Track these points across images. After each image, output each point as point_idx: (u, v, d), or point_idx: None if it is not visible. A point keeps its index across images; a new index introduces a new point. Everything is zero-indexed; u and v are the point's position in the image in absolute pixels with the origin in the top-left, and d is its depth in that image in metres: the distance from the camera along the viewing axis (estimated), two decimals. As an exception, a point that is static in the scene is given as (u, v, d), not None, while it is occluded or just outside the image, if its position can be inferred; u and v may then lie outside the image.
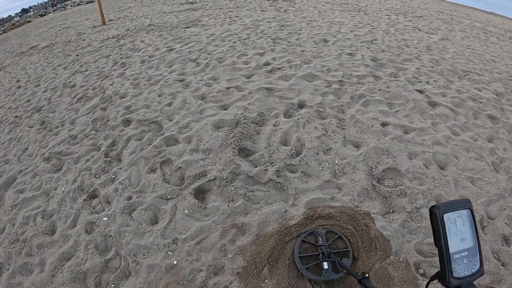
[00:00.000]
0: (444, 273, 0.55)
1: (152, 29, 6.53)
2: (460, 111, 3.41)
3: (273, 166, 2.30)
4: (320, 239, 1.79)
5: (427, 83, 4.10)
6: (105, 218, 2.06)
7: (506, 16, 16.76)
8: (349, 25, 6.66)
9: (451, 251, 0.54)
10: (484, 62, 5.54)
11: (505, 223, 2.22)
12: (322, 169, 2.37)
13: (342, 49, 4.86)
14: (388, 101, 3.45)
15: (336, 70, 4.00)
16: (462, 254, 0.55)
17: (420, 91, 3.78)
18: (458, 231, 0.54)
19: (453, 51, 5.90)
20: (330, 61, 4.31)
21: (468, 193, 2.33)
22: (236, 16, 7.13)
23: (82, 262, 1.82)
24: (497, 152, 2.87)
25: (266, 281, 1.67)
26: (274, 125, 2.79)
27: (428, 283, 0.64)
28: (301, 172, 2.31)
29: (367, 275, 1.17)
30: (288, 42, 5.11)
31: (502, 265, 1.98)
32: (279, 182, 2.18)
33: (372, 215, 2.04)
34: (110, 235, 1.94)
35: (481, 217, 2.19)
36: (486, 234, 2.12)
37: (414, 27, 7.60)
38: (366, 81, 3.84)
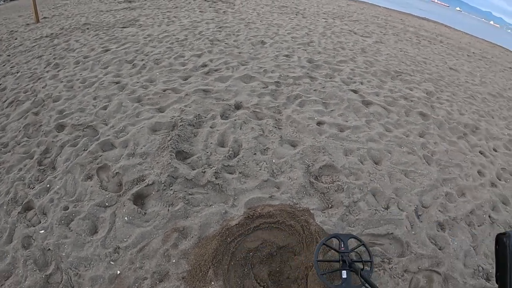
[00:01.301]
0: None
1: (87, 28, 7.74)
2: (392, 109, 4.73)
3: (211, 168, 2.97)
4: (343, 245, 2.19)
5: (361, 83, 5.50)
6: (42, 231, 2.48)
7: (438, 22, 23.39)
8: (287, 28, 8.58)
9: None
10: (415, 63, 7.71)
11: (439, 210, 3.21)
12: (260, 169, 3.08)
13: (279, 51, 6.33)
14: (324, 101, 4.55)
15: (272, 72, 5.19)
16: None
17: (355, 91, 5.06)
18: None
19: (387, 53, 8.00)
20: (267, 63, 5.57)
21: (402, 185, 3.27)
22: (174, 17, 8.66)
23: (22, 279, 2.18)
24: (428, 146, 4.11)
25: (212, 283, 2.12)
26: (211, 127, 3.57)
27: None
28: (239, 172, 3.00)
29: None
30: (226, 43, 6.48)
31: (439, 249, 2.86)
32: (218, 183, 2.82)
33: (311, 211, 2.71)
34: (49, 249, 2.34)
35: (415, 206, 3.11)
36: (421, 222, 3.02)
37: (350, 31, 9.97)
38: (302, 82, 5.02)
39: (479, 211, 3.37)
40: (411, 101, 5.21)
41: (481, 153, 4.46)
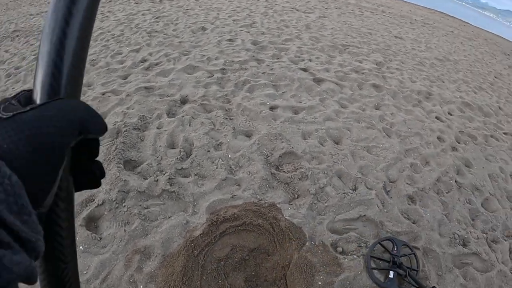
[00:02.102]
0: None
1: (17, 36, 7.48)
2: (345, 84, 4.84)
3: (164, 174, 2.88)
4: (396, 249, 2.50)
5: (310, 60, 5.58)
6: None
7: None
8: (227, 11, 8.51)
9: None
10: (361, 35, 8.04)
11: (407, 183, 3.33)
12: (217, 167, 3.01)
13: (221, 36, 6.27)
14: (274, 84, 4.55)
15: (216, 59, 5.12)
16: None
17: (304, 70, 5.12)
18: None
19: (331, 27, 8.24)
20: (209, 50, 5.49)
21: (367, 163, 3.34)
22: (108, 12, 8.42)
23: None
24: (386, 118, 4.27)
25: None
26: (158, 128, 3.49)
27: None
28: (195, 175, 2.95)
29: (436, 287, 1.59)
30: (164, 34, 6.32)
31: (414, 223, 2.96)
32: (174, 191, 2.74)
33: (278, 206, 2.70)
34: None
35: (383, 183, 3.20)
36: (391, 198, 3.11)
37: (292, 8, 10.14)
38: (249, 66, 5.01)
39: (445, 178, 3.56)
40: (362, 73, 5.39)
41: (438, 119, 4.75)
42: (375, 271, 2.42)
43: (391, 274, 2.37)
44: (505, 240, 3.27)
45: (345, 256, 2.51)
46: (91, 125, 0.34)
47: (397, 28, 10.42)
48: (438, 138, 4.23)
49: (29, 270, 0.26)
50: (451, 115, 5.03)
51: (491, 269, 2.88)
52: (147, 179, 2.85)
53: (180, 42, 5.84)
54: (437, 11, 22.61)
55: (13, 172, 0.26)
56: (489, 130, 4.98)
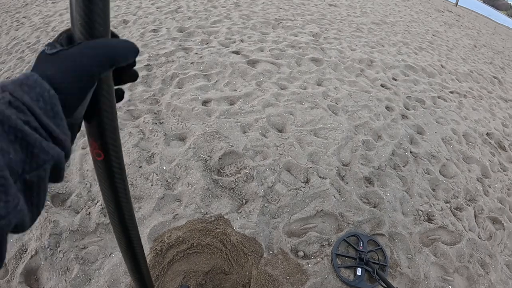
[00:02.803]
0: None
1: None
2: (282, 62, 4.65)
3: (96, 203, 2.66)
4: (362, 245, 2.48)
5: (242, 41, 5.32)
6: None
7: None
8: None
9: None
10: (294, 7, 7.92)
11: (361, 164, 3.23)
12: (152, 185, 2.75)
13: (144, 27, 5.83)
14: (205, 73, 4.24)
15: (140, 54, 4.70)
16: None
17: (237, 52, 4.85)
18: None
19: (262, 2, 8.02)
20: None
21: (316, 149, 3.18)
22: (24, 17, 7.96)
23: None
24: (329, 94, 4.15)
25: None
26: (83, 148, 3.20)
27: None
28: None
29: None
30: None
31: (375, 207, 2.86)
32: (109, 222, 2.34)
33: (225, 217, 2.49)
34: None
35: (337, 168, 3.06)
36: (347, 183, 2.99)
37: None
38: (176, 57, 4.66)
39: (399, 150, 3.53)
40: (299, 48, 5.25)
41: (383, 86, 4.75)
42: (342, 269, 2.37)
43: (359, 271, 2.36)
44: (469, 206, 3.33)
45: (308, 260, 2.38)
46: (120, 55, 0.46)
47: (330, -5, 10.50)
48: (387, 107, 4.21)
49: (61, 157, 0.38)
50: (395, 80, 5.08)
51: (460, 240, 2.91)
52: (78, 212, 2.61)
53: None
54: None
55: (53, 89, 0.38)
56: (436, 91, 5.10)
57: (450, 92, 5.25)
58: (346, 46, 5.80)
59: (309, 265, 2.36)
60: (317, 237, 2.50)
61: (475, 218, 3.26)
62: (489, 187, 3.71)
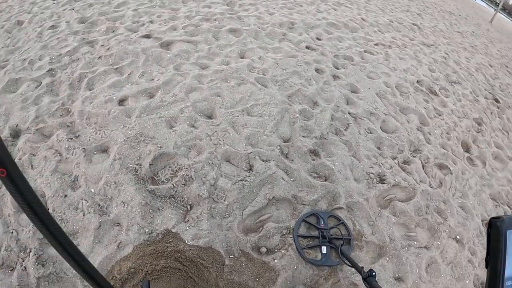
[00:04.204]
0: None
1: None
2: (198, 39, 4.38)
3: (29, 253, 2.29)
4: (322, 222, 2.49)
5: (151, 22, 4.92)
6: None
7: None
8: None
9: (506, 275, 0.71)
10: (199, -25, 7.57)
11: (303, 136, 3.15)
12: (84, 214, 2.44)
13: (41, 25, 5.16)
14: (115, 67, 3.83)
15: (40, 58, 4.17)
16: None
17: (147, 36, 4.47)
18: None
19: (162, -27, 7.54)
20: (31, 49, 4.46)
21: (252, 130, 3.04)
22: None
23: None
24: (255, 65, 4.00)
25: None
26: None
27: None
28: None
29: (374, 273, 1.57)
30: None
31: (326, 181, 2.82)
32: (50, 272, 2.20)
33: (173, 231, 2.30)
34: None
35: (279, 147, 2.95)
36: (293, 160, 2.90)
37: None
38: (81, 53, 4.17)
39: (338, 114, 3.54)
40: (215, 20, 5.01)
41: (309, 48, 4.73)
42: (306, 251, 2.37)
43: (324, 249, 2.37)
44: (415, 157, 3.46)
45: (273, 255, 2.31)
46: None
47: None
48: (316, 70, 4.20)
49: None
50: (320, 40, 5.09)
51: (414, 194, 3.03)
52: (14, 269, 2.24)
53: None
54: None
55: None
56: (361, 46, 5.22)
57: (375, 44, 5.40)
58: (263, 10, 5.66)
59: (275, 260, 2.28)
60: (275, 228, 2.42)
61: (423, 169, 3.41)
62: (430, 134, 3.90)
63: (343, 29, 5.63)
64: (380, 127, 3.66)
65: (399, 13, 7.57)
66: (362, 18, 6.27)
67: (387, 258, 2.53)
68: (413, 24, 7.07)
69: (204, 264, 2.20)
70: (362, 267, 1.74)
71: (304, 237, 2.44)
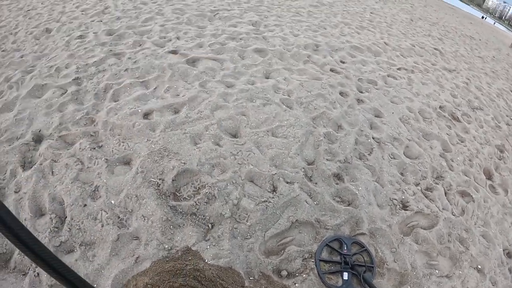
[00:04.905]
0: None
1: None
2: (224, 57, 4.40)
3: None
4: (346, 248, 2.43)
5: (178, 38, 4.99)
6: None
7: None
8: (73, 1, 7.21)
9: None
10: (227, -5, 7.69)
11: (327, 159, 3.09)
12: (103, 225, 2.40)
13: (69, 34, 5.31)
14: (141, 80, 3.87)
15: (67, 66, 4.24)
16: None
17: (174, 52, 4.52)
18: None
19: (192, -7, 7.70)
20: (58, 57, 4.57)
21: (277, 151, 2.99)
22: None
23: None
24: (280, 86, 3.98)
25: None
26: (16, 192, 2.74)
27: None
28: (80, 245, 2.36)
29: None
30: (3, 51, 5.14)
31: (349, 205, 2.74)
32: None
33: (193, 249, 2.24)
34: None
35: (303, 169, 2.89)
36: (317, 184, 2.83)
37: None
38: (107, 65, 4.24)
39: (362, 138, 3.47)
40: (240, 39, 5.04)
41: (333, 71, 4.70)
42: (327, 276, 2.31)
43: (345, 276, 2.31)
44: (438, 184, 3.35)
45: (294, 279, 2.25)
46: None
47: (262, -20, 10.40)
48: (341, 93, 4.15)
49: None
50: (344, 63, 5.05)
51: (436, 222, 2.92)
52: (26, 274, 2.22)
53: (22, 57, 4.82)
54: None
55: None
56: (384, 70, 5.16)
57: (398, 69, 5.34)
58: (288, 32, 5.68)
59: (296, 284, 2.21)
60: (297, 251, 2.35)
61: (446, 196, 3.30)
62: (452, 161, 3.79)
63: (366, 52, 5.58)
64: (404, 153, 3.57)
65: (420, 38, 7.49)
66: (385, 42, 6.23)
67: (409, 287, 2.42)
68: (435, 48, 6.98)
69: (223, 284, 2.14)
70: None
71: (326, 261, 2.37)
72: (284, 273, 2.25)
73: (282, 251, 2.35)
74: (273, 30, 5.66)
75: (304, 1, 7.96)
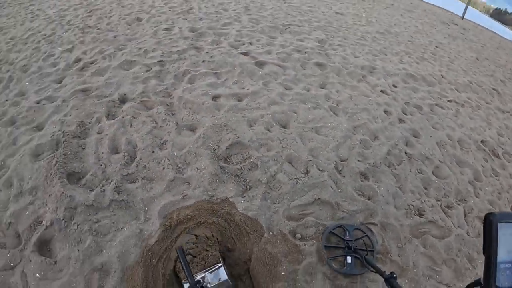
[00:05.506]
0: (487, 281, 0.89)
1: None
2: (288, 65, 4.93)
3: (110, 182, 2.92)
4: (348, 234, 2.64)
5: (251, 44, 5.63)
6: None
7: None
8: None
9: (498, 260, 0.86)
10: (302, 13, 8.23)
11: (358, 160, 3.48)
12: (164, 168, 3.03)
13: (157, 25, 6.25)
14: (215, 72, 4.57)
15: (154, 50, 5.12)
16: (507, 265, 0.87)
17: (245, 54, 5.15)
18: (508, 243, 0.86)
19: (271, 7, 8.34)
20: (146, 42, 5.49)
21: (316, 144, 3.44)
22: (38, 10, 8.26)
23: None
24: (331, 96, 4.41)
25: None
26: (98, 133, 3.49)
27: None
28: (142, 179, 2.98)
29: (395, 275, 1.72)
30: (98, 29, 6.22)
31: (369, 200, 3.10)
32: (122, 199, 2.79)
33: (231, 200, 2.74)
34: None
35: (334, 163, 3.31)
36: (344, 176, 3.23)
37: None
38: (188, 55, 5.02)
39: (395, 151, 3.77)
40: (305, 52, 5.53)
41: (383, 92, 5.01)
42: (332, 261, 2.53)
43: (349, 259, 2.51)
44: (459, 205, 3.54)
45: (305, 242, 2.61)
46: None
47: (337, 4, 10.82)
48: (385, 111, 4.46)
49: None
50: (395, 87, 5.33)
51: (448, 235, 3.11)
52: (93, 190, 2.83)
53: (115, 37, 5.77)
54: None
55: None
56: (434, 99, 5.35)
57: (448, 100, 5.49)
58: (350, 53, 6.07)
59: (306, 246, 2.58)
60: (313, 222, 2.74)
61: (464, 217, 3.46)
62: (480, 189, 3.93)
63: (420, 81, 5.80)
64: (432, 171, 3.80)
65: (481, 77, 7.45)
66: (442, 75, 6.37)
67: (406, 280, 2.65)
68: (493, 89, 6.93)
69: (247, 230, 2.59)
70: (384, 271, 1.93)
71: (331, 247, 2.61)
72: (298, 236, 2.65)
73: (301, 219, 2.76)
74: (336, 49, 6.08)
75: (372, 28, 8.28)
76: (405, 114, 4.59)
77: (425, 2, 20.80)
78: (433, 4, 20.69)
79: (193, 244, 2.57)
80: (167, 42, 5.42)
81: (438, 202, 3.45)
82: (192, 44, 5.38)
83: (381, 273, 1.91)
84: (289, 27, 6.74)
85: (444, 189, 3.61)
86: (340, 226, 2.74)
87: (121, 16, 6.92)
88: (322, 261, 2.55)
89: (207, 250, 2.51)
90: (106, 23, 6.57)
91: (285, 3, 9.18)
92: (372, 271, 2.28)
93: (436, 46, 8.46)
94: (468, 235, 3.26)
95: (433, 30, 10.86)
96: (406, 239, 2.92)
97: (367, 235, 2.76)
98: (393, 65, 6.10)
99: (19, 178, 3.04)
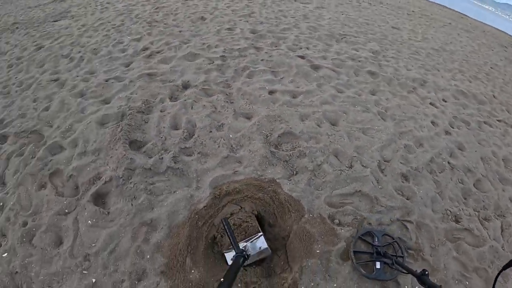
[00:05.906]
0: None
1: (17, 28, 8.18)
2: (341, 71, 5.10)
3: (168, 153, 3.23)
4: (377, 240, 2.66)
5: (308, 48, 5.84)
6: (5, 254, 2.59)
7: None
8: (225, 1, 8.83)
9: None
10: (358, 25, 8.31)
11: (401, 162, 3.59)
12: (219, 146, 3.33)
13: (220, 25, 6.66)
14: (272, 70, 4.84)
15: (216, 47, 5.51)
16: None
17: (302, 57, 5.38)
18: None
19: (329, 17, 8.50)
20: (209, 38, 5.90)
21: (362, 143, 3.59)
22: (108, 3, 9.03)
23: (-6, 311, 2.21)
24: (381, 102, 4.53)
25: (192, 271, 2.38)
26: (161, 111, 3.84)
27: (501, 270, 1.14)
28: (198, 153, 3.28)
29: (426, 272, 1.76)
30: (165, 24, 6.79)
31: (407, 199, 3.22)
32: (178, 168, 3.09)
33: (277, 181, 2.97)
34: (16, 271, 2.46)
35: (378, 161, 3.45)
36: (386, 175, 3.37)
37: (288, -2, 10.41)
38: (248, 53, 5.34)
39: (438, 159, 3.82)
40: (359, 61, 5.65)
41: (432, 104, 5.02)
42: (362, 266, 2.55)
43: (378, 265, 2.52)
44: (497, 219, 3.53)
45: (341, 227, 2.77)
46: None
47: (394, 19, 10.72)
48: (432, 122, 4.50)
49: None
50: (445, 101, 5.31)
51: (483, 245, 3.11)
52: (152, 157, 3.17)
53: (180, 32, 6.20)
54: (435, 3, 23.03)
55: None
56: (483, 117, 5.27)
57: (498, 120, 5.38)
58: (402, 65, 6.10)
59: (342, 230, 2.74)
60: (352, 211, 2.89)
61: (501, 231, 3.44)
62: (521, 208, 3.87)
63: (470, 98, 5.72)
64: (473, 184, 3.80)
65: (538, 103, 7.14)
66: (493, 95, 6.21)
67: (436, 280, 2.71)
68: (548, 116, 6.63)
69: (289, 208, 2.79)
70: (416, 270, 1.95)
71: (360, 252, 2.61)
72: (336, 221, 2.81)
73: (341, 207, 2.92)
74: (389, 61, 6.13)
75: (427, 44, 8.18)
76: (452, 127, 4.59)
77: (485, 24, 19.88)
78: (494, 27, 19.71)
79: (235, 215, 2.78)
80: (229, 41, 5.78)
81: (476, 212, 3.47)
82: (252, 44, 5.69)
83: (413, 272, 1.94)
84: (345, 37, 6.88)
85: (483, 201, 3.61)
86: (369, 231, 2.74)
87: (186, 14, 7.40)
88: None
89: (247, 222, 2.73)
90: (172, 19, 7.06)
91: (342, 14, 9.29)
92: (403, 272, 2.32)
93: (491, 67, 8.18)
94: (503, 249, 3.23)
95: (490, 52, 10.45)
96: (440, 241, 2.97)
97: (395, 241, 2.74)
98: (445, 80, 6.05)
99: (84, 140, 3.42)
